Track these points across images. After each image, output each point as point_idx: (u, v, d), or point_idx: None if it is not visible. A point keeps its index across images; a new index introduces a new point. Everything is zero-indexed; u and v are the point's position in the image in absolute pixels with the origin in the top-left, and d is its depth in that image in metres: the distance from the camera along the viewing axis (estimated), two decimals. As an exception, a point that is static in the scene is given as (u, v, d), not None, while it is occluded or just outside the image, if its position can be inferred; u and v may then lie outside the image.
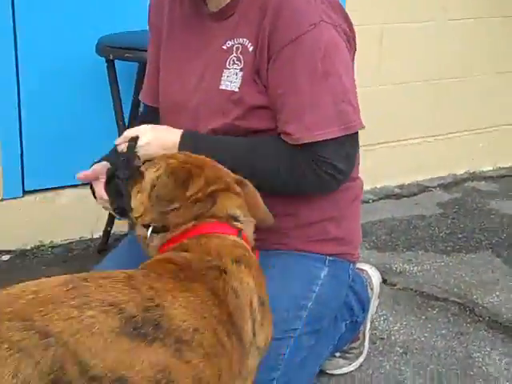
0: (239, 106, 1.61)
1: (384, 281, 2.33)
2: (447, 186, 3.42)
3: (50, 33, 2.66)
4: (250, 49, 1.60)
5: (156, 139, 1.57)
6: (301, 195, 1.65)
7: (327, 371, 1.99)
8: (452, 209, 3.17)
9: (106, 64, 2.58)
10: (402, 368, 2.04)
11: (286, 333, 1.66)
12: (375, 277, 2.10)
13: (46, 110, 2.70)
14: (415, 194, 3.31)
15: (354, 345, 2.03)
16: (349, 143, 1.56)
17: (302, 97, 1.53)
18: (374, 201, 3.11)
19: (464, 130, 3.57)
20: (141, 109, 2.19)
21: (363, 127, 1.58)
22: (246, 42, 1.61)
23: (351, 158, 1.59)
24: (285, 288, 1.65)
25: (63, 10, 2.66)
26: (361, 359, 2.05)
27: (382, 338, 2.18)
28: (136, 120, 2.03)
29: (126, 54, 2.46)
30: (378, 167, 3.17)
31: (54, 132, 2.73)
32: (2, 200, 2.69)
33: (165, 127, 1.64)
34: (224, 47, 1.64)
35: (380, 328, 2.23)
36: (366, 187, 3.15)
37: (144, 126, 1.61)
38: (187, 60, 1.74)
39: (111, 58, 2.53)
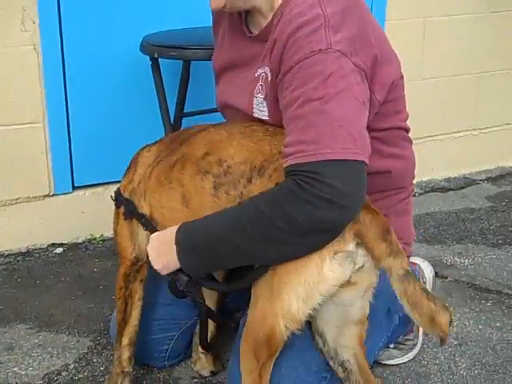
0: None
1: (435, 274, 2.28)
2: (495, 179, 3.37)
3: (95, 32, 2.70)
4: (269, 78, 1.61)
5: (155, 237, 1.64)
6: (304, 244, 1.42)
7: (381, 361, 1.99)
8: (501, 202, 3.12)
9: (150, 62, 2.60)
10: (457, 359, 2.02)
11: None
12: (428, 270, 2.08)
13: (92, 108, 2.74)
14: (462, 188, 3.27)
15: (408, 337, 2.01)
16: (346, 167, 1.41)
17: (299, 120, 1.45)
18: (420, 194, 3.07)
19: (510, 123, 3.51)
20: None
21: (360, 161, 1.42)
22: (267, 70, 1.62)
23: (347, 179, 1.40)
24: None
25: (107, 9, 2.70)
26: (415, 351, 2.03)
27: (435, 330, 2.14)
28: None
29: (171, 53, 2.47)
30: (424, 161, 3.12)
31: (102, 129, 2.77)
32: (53, 195, 2.75)
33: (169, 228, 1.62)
34: (256, 74, 1.66)
35: (433, 320, 2.19)
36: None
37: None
38: (231, 75, 1.79)
39: (156, 56, 2.54)
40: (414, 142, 1.83)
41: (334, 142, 1.41)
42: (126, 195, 1.78)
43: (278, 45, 1.54)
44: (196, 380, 1.98)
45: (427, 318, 1.42)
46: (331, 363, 1.62)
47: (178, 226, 1.56)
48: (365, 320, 1.56)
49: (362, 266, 1.45)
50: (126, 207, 1.76)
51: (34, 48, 2.57)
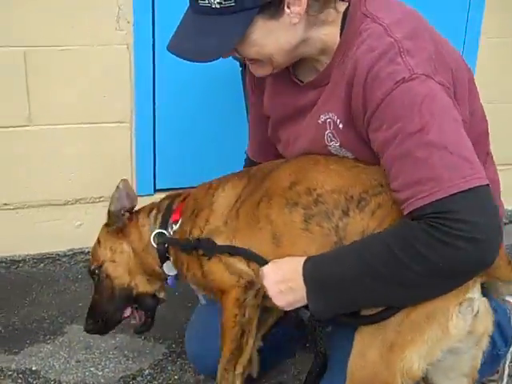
0: None
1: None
2: None
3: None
4: (340, 126, 1.55)
5: (272, 271, 1.52)
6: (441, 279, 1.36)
7: (463, 401, 1.90)
8: None
9: (240, 68, 2.58)
10: (544, 406, 1.92)
11: None
12: None
13: (179, 112, 2.73)
14: (551, 219, 3.13)
15: (492, 377, 1.92)
16: (470, 195, 1.32)
17: (409, 155, 1.36)
18: (506, 224, 2.94)
19: None
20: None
21: (485, 186, 1.33)
22: (335, 117, 1.55)
23: (479, 208, 1.32)
24: None
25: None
26: (499, 393, 1.93)
27: (520, 372, 2.05)
28: None
29: (261, 59, 2.45)
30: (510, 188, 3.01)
31: (187, 133, 2.76)
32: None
33: (286, 258, 1.52)
34: (319, 121, 1.59)
35: (518, 361, 2.10)
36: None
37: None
38: (288, 126, 1.72)
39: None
40: (500, 168, 1.74)
41: (450, 173, 1.31)
42: (201, 235, 1.66)
43: (357, 87, 1.45)
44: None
45: None
46: None
47: (302, 261, 1.46)
48: (475, 372, 1.50)
49: (478, 311, 1.39)
50: (206, 246, 1.64)
51: (127, 47, 2.59)
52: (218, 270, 1.64)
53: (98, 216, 2.71)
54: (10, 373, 2.01)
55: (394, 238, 1.36)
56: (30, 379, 1.99)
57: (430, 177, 1.32)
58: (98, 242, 1.79)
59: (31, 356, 2.10)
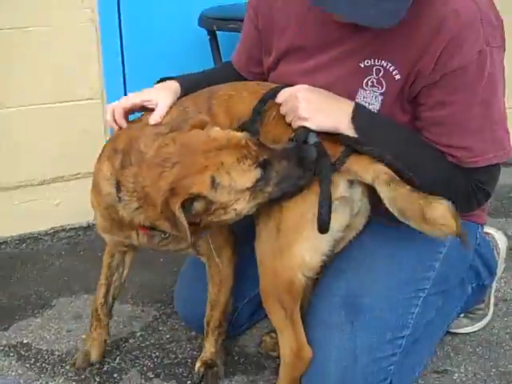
0: None
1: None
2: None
3: (153, 7, 2.71)
4: (396, 77, 1.56)
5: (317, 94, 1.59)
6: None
7: (450, 330, 1.95)
8: None
9: (208, 36, 2.61)
10: (530, 329, 1.96)
11: (415, 292, 1.66)
12: (502, 241, 2.05)
13: (150, 84, 2.72)
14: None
15: (479, 306, 1.97)
16: (498, 167, 1.61)
17: (465, 122, 1.54)
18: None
19: None
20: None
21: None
22: (390, 67, 1.56)
23: (497, 180, 1.64)
24: (412, 249, 1.65)
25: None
26: (485, 321, 2.00)
27: (504, 300, 2.11)
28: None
29: (230, 25, 2.48)
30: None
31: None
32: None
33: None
34: (361, 65, 1.58)
35: (502, 290, 2.17)
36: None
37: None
38: (314, 58, 1.67)
39: (214, 29, 2.57)
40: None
41: (494, 146, 1.55)
42: None
43: (435, 48, 1.49)
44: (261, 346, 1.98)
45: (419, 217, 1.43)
46: None
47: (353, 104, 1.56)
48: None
49: (357, 210, 1.57)
50: None
51: (93, 23, 2.57)
52: None
53: (76, 193, 2.72)
54: (0, 348, 2.01)
55: (447, 168, 1.57)
56: (22, 352, 1.99)
57: (479, 145, 1.55)
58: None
59: (21, 330, 2.09)
